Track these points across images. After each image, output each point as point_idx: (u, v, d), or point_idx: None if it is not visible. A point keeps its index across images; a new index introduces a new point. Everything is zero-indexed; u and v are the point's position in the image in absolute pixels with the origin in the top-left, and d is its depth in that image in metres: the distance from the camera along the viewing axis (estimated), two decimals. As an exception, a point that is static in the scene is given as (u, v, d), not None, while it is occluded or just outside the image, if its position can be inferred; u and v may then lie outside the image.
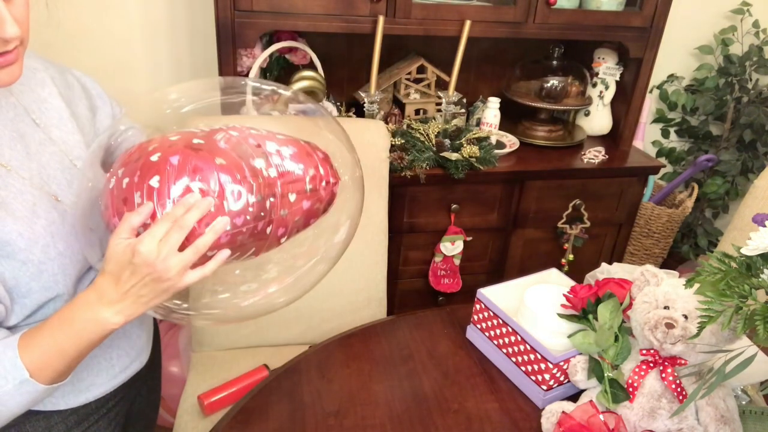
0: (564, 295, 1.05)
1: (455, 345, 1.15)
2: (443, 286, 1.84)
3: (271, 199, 0.73)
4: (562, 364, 0.99)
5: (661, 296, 0.90)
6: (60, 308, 0.72)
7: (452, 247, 1.79)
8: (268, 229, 0.74)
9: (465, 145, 1.71)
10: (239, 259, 0.75)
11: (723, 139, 2.35)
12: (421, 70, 1.84)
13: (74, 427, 0.88)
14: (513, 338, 1.04)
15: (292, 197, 0.76)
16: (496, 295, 1.10)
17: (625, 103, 1.96)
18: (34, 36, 1.74)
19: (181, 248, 0.67)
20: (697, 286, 0.80)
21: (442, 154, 1.67)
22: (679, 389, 0.88)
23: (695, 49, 2.32)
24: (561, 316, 1.03)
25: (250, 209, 0.70)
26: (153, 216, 0.67)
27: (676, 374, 0.89)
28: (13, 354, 0.68)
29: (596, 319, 1.00)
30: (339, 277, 1.45)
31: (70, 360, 0.71)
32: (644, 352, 0.92)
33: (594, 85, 1.99)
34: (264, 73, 1.75)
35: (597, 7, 1.76)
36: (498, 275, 1.92)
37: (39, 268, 0.73)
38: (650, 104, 2.36)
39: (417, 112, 1.87)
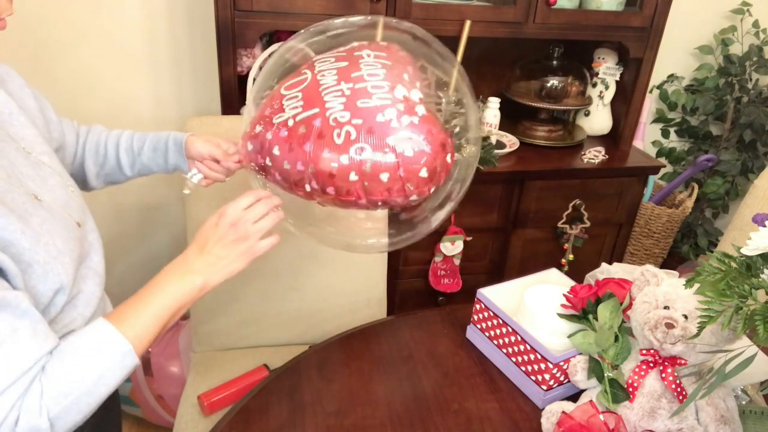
0: (564, 295, 1.05)
1: (455, 345, 1.15)
2: (443, 286, 1.84)
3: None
4: (562, 364, 0.99)
5: (661, 296, 0.90)
6: (70, 299, 0.74)
7: (452, 247, 1.79)
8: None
9: (465, 146, 1.70)
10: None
11: (723, 139, 2.35)
12: (421, 70, 1.84)
13: None
14: (513, 338, 1.04)
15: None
16: (496, 295, 1.10)
17: (625, 103, 1.96)
18: (32, 36, 1.76)
19: None
20: (697, 286, 0.80)
21: (442, 154, 1.67)
22: (679, 389, 0.88)
23: (695, 49, 2.32)
24: (561, 316, 1.03)
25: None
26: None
27: (676, 374, 0.89)
28: (111, 330, 0.70)
29: (596, 319, 1.00)
30: (339, 277, 1.45)
31: (162, 328, 0.75)
32: (644, 352, 0.92)
33: (594, 85, 1.99)
34: (264, 73, 1.75)
35: (597, 7, 1.76)
36: (498, 275, 1.92)
37: (44, 269, 0.71)
38: (650, 104, 2.36)
39: (417, 112, 1.87)
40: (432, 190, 0.83)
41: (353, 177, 0.78)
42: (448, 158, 0.84)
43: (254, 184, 0.93)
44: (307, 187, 0.82)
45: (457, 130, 0.86)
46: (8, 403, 0.61)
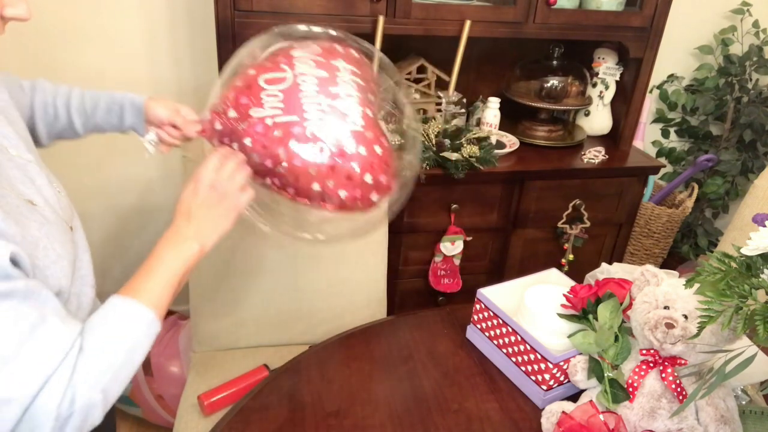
0: (564, 295, 1.05)
1: (455, 345, 1.15)
2: (443, 286, 1.84)
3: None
4: (562, 364, 0.99)
5: (661, 296, 0.90)
6: (66, 302, 0.74)
7: (452, 247, 1.79)
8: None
9: (465, 145, 1.71)
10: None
11: (723, 139, 2.35)
12: (421, 70, 1.84)
13: None
14: (513, 338, 1.04)
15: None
16: (496, 295, 1.10)
17: (625, 103, 1.96)
18: (32, 36, 1.76)
19: None
20: (697, 286, 0.80)
21: (442, 154, 1.67)
22: (679, 389, 0.88)
23: (695, 49, 2.32)
24: (561, 316, 1.03)
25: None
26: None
27: (676, 374, 0.89)
28: (131, 301, 0.72)
29: (596, 319, 1.00)
30: (339, 277, 1.45)
31: (173, 296, 0.78)
32: (644, 352, 0.92)
33: (594, 85, 1.99)
34: (264, 73, 1.75)
35: (597, 7, 1.76)
36: (498, 275, 1.92)
37: (45, 274, 0.70)
38: (650, 104, 2.36)
39: (417, 112, 1.87)
40: (381, 198, 0.93)
41: (316, 187, 0.86)
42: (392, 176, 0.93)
43: (207, 147, 0.95)
44: (267, 181, 0.88)
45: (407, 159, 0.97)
46: (61, 384, 0.62)
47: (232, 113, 0.87)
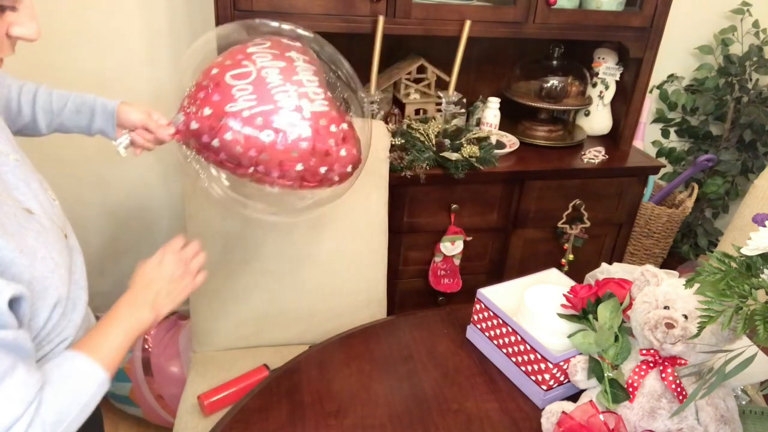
0: (564, 295, 1.05)
1: (455, 345, 1.15)
2: (443, 286, 1.84)
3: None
4: (562, 364, 0.99)
5: (661, 296, 0.90)
6: (64, 309, 0.75)
7: (452, 247, 1.79)
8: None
9: (465, 145, 1.71)
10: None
11: (723, 139, 2.35)
12: (421, 70, 1.84)
13: None
14: (513, 338, 1.04)
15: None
16: (496, 295, 1.11)
17: (625, 103, 1.96)
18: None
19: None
20: (697, 286, 0.80)
21: (442, 154, 1.67)
22: (679, 389, 0.88)
23: (695, 49, 2.32)
24: (561, 316, 1.03)
25: None
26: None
27: (676, 374, 0.89)
28: (89, 361, 0.73)
29: (596, 319, 1.00)
30: (339, 277, 1.45)
31: (124, 356, 0.79)
32: (644, 352, 0.92)
33: (594, 85, 1.99)
34: (264, 73, 1.75)
35: (597, 7, 1.76)
36: (498, 275, 1.92)
37: (43, 285, 0.70)
38: (650, 104, 2.36)
39: (417, 112, 1.87)
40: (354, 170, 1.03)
41: (299, 168, 0.92)
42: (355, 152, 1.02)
43: (180, 154, 1.01)
44: (251, 170, 0.93)
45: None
46: None
47: (207, 111, 0.90)
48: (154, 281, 0.87)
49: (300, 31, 1.08)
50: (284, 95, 0.92)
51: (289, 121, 0.91)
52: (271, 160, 0.91)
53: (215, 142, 0.91)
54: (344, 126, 0.98)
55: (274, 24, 1.06)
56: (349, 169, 0.99)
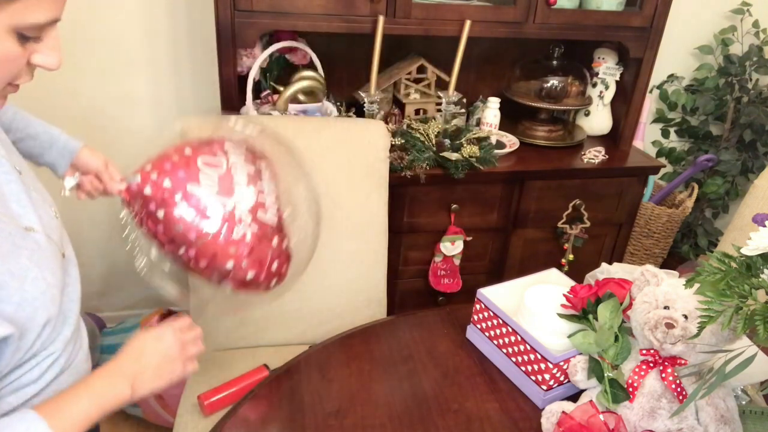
0: (564, 295, 1.05)
1: (455, 345, 1.15)
2: (443, 286, 1.84)
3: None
4: (562, 364, 0.99)
5: (661, 296, 0.90)
6: (55, 326, 0.74)
7: (452, 247, 1.79)
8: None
9: (465, 145, 1.71)
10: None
11: (723, 139, 2.35)
12: (421, 70, 1.84)
13: None
14: (513, 338, 1.04)
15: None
16: (496, 295, 1.11)
17: (625, 103, 1.96)
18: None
19: None
20: (697, 286, 0.80)
21: (442, 154, 1.67)
22: (679, 389, 0.88)
23: (695, 49, 2.32)
24: (561, 316, 1.03)
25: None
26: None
27: (676, 374, 0.89)
28: (44, 426, 0.68)
29: (596, 319, 1.00)
30: (339, 277, 1.45)
31: (89, 426, 0.73)
32: (644, 352, 0.92)
33: (594, 85, 1.99)
34: (264, 73, 1.75)
35: (597, 7, 1.76)
36: (498, 275, 1.92)
37: (33, 306, 0.69)
38: (650, 104, 2.36)
39: (417, 112, 1.87)
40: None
41: (229, 265, 0.93)
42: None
43: (122, 212, 0.99)
44: (181, 251, 0.93)
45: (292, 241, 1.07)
46: None
47: (167, 182, 0.91)
48: (145, 355, 0.82)
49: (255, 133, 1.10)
50: (243, 196, 0.96)
51: (239, 220, 0.94)
52: (205, 249, 0.92)
53: (160, 213, 0.92)
54: (285, 245, 1.02)
55: (247, 131, 1.09)
56: (273, 283, 1.01)
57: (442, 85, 1.84)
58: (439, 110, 1.86)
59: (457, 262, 1.83)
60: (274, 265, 0.99)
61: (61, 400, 0.72)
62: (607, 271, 1.13)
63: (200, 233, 0.91)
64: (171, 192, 0.91)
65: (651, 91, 2.35)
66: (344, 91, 1.92)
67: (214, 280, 0.95)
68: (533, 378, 1.02)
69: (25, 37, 0.63)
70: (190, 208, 0.91)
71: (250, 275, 0.95)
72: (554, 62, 1.95)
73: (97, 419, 0.74)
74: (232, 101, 1.60)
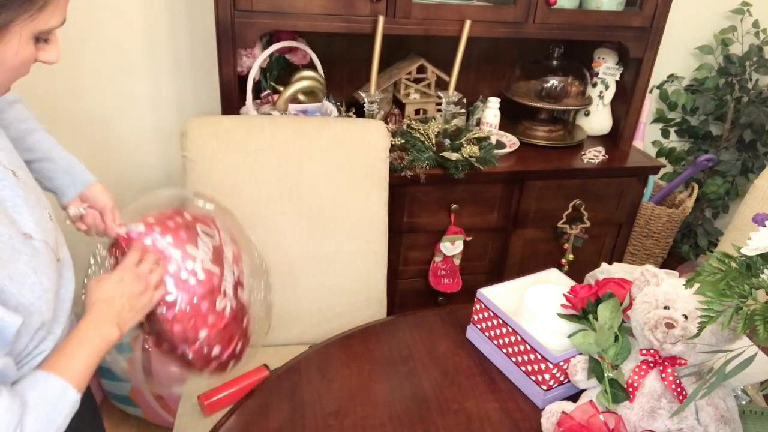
0: (564, 295, 1.05)
1: (455, 345, 1.15)
2: (443, 286, 1.84)
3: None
4: (562, 364, 0.99)
5: (661, 296, 0.90)
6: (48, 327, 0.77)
7: (452, 247, 1.79)
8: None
9: (465, 145, 1.71)
10: None
11: (723, 139, 2.35)
12: (421, 70, 1.84)
13: None
14: (513, 338, 1.04)
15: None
16: (496, 295, 1.11)
17: (625, 103, 1.96)
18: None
19: None
20: (697, 286, 0.80)
21: (442, 154, 1.67)
22: (679, 389, 0.88)
23: (695, 49, 2.32)
24: (561, 316, 1.03)
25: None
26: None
27: (676, 374, 0.89)
28: (59, 381, 0.73)
29: (596, 319, 1.00)
30: (339, 277, 1.45)
31: (93, 371, 0.79)
32: (644, 352, 0.92)
33: (594, 85, 1.99)
34: (264, 73, 1.75)
35: (597, 7, 1.76)
36: (498, 275, 1.92)
37: (29, 310, 0.71)
38: (650, 104, 2.36)
39: (417, 112, 1.87)
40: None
41: (202, 334, 0.94)
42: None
43: (98, 253, 1.02)
44: (161, 310, 0.94)
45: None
46: None
47: (168, 238, 0.94)
48: (115, 298, 0.85)
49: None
50: (230, 271, 1.00)
51: (224, 293, 0.97)
52: (186, 312, 0.93)
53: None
54: (246, 326, 1.04)
55: (208, 206, 1.12)
56: (230, 365, 1.03)
57: (442, 85, 1.84)
58: (439, 110, 1.86)
59: (457, 262, 1.83)
60: (238, 347, 1.01)
61: (62, 356, 0.76)
62: (607, 271, 1.13)
63: (190, 293, 0.93)
64: (170, 248, 0.93)
65: (651, 91, 2.35)
66: (344, 91, 1.92)
67: (178, 350, 0.96)
68: (533, 378, 1.02)
69: (40, 39, 0.71)
70: (182, 269, 0.93)
71: (216, 351, 0.97)
72: (554, 62, 1.95)
73: (96, 366, 0.79)
74: (232, 101, 1.60)
